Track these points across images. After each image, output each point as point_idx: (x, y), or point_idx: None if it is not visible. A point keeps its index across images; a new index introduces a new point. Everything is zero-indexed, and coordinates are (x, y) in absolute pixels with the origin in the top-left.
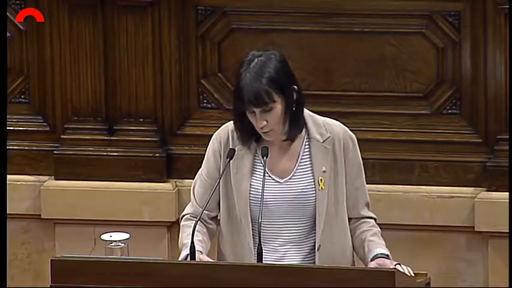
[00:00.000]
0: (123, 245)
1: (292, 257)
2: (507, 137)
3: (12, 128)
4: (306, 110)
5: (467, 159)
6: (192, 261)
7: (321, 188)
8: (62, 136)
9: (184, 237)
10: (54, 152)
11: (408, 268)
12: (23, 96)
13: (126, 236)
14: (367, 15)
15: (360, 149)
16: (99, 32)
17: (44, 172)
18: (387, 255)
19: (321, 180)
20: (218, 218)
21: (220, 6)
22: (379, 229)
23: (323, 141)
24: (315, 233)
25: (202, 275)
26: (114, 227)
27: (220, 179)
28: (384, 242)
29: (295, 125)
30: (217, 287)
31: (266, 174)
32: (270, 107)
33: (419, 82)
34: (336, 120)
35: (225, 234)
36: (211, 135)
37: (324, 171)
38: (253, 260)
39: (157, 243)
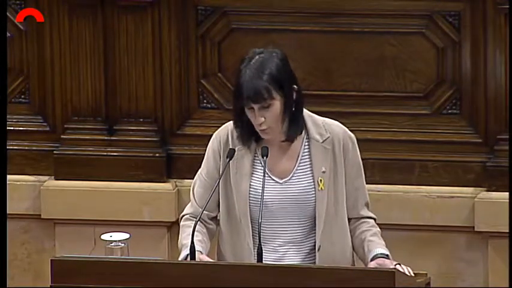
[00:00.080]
0: (123, 245)
1: (292, 257)
2: (507, 137)
3: (12, 128)
4: (305, 110)
5: (467, 159)
6: (192, 261)
7: (321, 188)
8: (62, 136)
9: (184, 238)
10: (54, 152)
11: (408, 268)
12: (23, 96)
13: (126, 236)
14: (367, 15)
15: (360, 149)
16: (99, 32)
17: (44, 172)
18: (387, 255)
19: (321, 180)
20: (218, 218)
21: (220, 6)
22: (378, 229)
23: (322, 142)
24: (314, 233)
25: (202, 275)
26: (114, 227)
27: (220, 179)
28: (383, 242)
29: (294, 125)
30: (217, 287)
31: (266, 175)
32: (268, 103)
33: (419, 82)
34: (336, 120)
35: (224, 235)
36: (211, 135)
37: (324, 172)
38: (252, 260)
39: (157, 243)
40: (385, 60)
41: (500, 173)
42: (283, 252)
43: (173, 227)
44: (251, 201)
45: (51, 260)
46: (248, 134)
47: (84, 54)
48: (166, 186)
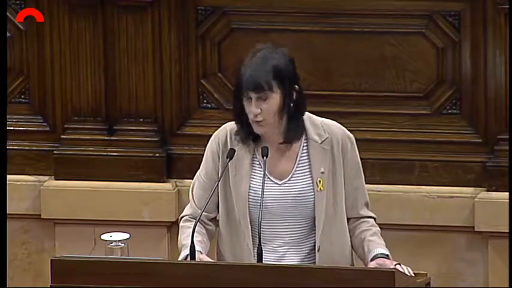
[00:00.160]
0: (123, 245)
1: (291, 257)
2: (507, 137)
3: (12, 128)
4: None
5: (467, 159)
6: (192, 261)
7: (320, 189)
8: (62, 136)
9: (183, 239)
10: (54, 152)
11: (408, 268)
12: (23, 96)
13: (126, 236)
14: (367, 15)
15: (360, 149)
16: (99, 32)
17: (44, 172)
18: (387, 255)
19: (320, 181)
20: (217, 219)
21: (220, 6)
22: (378, 228)
23: (321, 142)
24: (313, 234)
25: (202, 275)
26: (114, 227)
27: (219, 181)
28: (383, 242)
29: (293, 127)
30: (217, 287)
31: (265, 177)
32: (267, 95)
33: (419, 82)
34: (336, 120)
35: (224, 236)
36: (211, 135)
37: (323, 172)
38: (252, 260)
39: (157, 243)
40: (385, 60)
41: (500, 173)
42: (282, 253)
43: (173, 227)
44: (250, 203)
45: (51, 260)
46: (246, 130)
47: (84, 54)
48: (166, 186)
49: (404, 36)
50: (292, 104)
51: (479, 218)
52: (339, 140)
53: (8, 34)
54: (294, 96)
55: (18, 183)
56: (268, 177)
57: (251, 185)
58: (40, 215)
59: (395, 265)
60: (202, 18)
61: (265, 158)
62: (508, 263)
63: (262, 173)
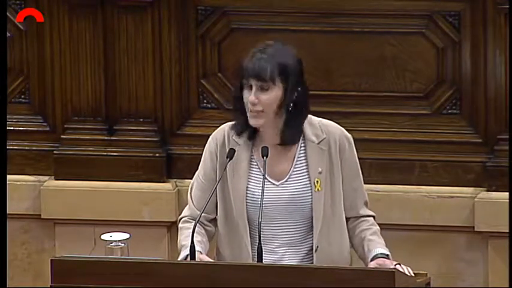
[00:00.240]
0: (123, 245)
1: (290, 258)
2: (507, 137)
3: (12, 128)
4: None
5: (467, 159)
6: (192, 261)
7: (317, 189)
8: (62, 136)
9: (183, 239)
10: (54, 152)
11: (408, 268)
12: (23, 96)
13: (126, 236)
14: (367, 15)
15: (360, 149)
16: (99, 32)
17: (44, 172)
18: (387, 255)
19: (317, 181)
20: (216, 219)
21: (220, 6)
22: (378, 227)
23: (318, 143)
24: (312, 234)
25: (202, 275)
26: (114, 227)
27: (218, 182)
28: (383, 241)
29: (291, 129)
30: (217, 287)
31: (262, 177)
32: (267, 86)
33: (419, 82)
34: (336, 120)
35: (222, 236)
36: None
37: (320, 173)
38: (250, 261)
39: (157, 243)
40: (385, 60)
41: (500, 173)
42: (281, 254)
43: (173, 227)
44: (248, 203)
45: (51, 260)
46: (243, 123)
47: (84, 54)
48: (166, 186)
49: (404, 36)
50: (292, 104)
51: (479, 218)
52: (337, 140)
53: (8, 34)
54: (295, 97)
55: (18, 183)
56: (266, 178)
57: (249, 186)
58: (40, 215)
59: (395, 265)
60: (202, 18)
61: (265, 158)
62: (508, 263)
63: (260, 173)
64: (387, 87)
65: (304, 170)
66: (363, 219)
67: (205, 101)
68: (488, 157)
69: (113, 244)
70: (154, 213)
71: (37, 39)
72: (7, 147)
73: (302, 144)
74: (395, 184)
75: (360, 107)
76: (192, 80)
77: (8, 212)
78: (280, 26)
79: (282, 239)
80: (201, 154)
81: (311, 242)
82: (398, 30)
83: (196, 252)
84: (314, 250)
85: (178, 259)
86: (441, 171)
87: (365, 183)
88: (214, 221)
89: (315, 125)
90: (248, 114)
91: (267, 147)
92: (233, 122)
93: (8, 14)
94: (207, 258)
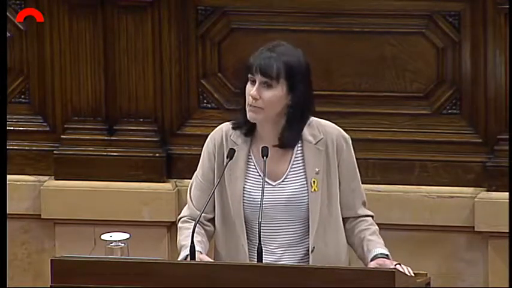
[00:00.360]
0: (123, 245)
1: (288, 259)
2: (507, 137)
3: (12, 128)
4: None
5: (467, 159)
6: (192, 261)
7: (314, 190)
8: (62, 136)
9: (183, 239)
10: (54, 152)
11: (408, 268)
12: (23, 96)
13: (126, 236)
14: (367, 15)
15: (360, 149)
16: (99, 32)
17: (44, 172)
18: (387, 255)
19: (314, 182)
20: (215, 219)
21: (220, 6)
22: (377, 227)
23: (316, 143)
24: (309, 235)
25: (202, 275)
26: (114, 227)
27: (218, 182)
28: (382, 241)
29: (290, 132)
30: (217, 287)
31: (260, 177)
32: (271, 83)
33: (419, 82)
34: (336, 120)
35: (220, 235)
36: None
37: (317, 173)
38: (247, 261)
39: (157, 243)
40: (385, 60)
41: (500, 173)
42: (279, 255)
43: (173, 227)
44: (245, 203)
45: (51, 260)
46: (243, 118)
47: (84, 54)
48: (166, 186)
49: (404, 36)
50: (293, 105)
51: (479, 218)
52: (334, 140)
53: (8, 34)
54: (298, 99)
55: (18, 183)
56: (262, 179)
57: (245, 186)
58: (40, 215)
59: (395, 265)
60: (202, 18)
61: (265, 158)
62: (508, 263)
63: (257, 173)
64: (387, 87)
65: (301, 171)
66: (361, 219)
67: (205, 101)
68: (488, 157)
69: (113, 244)
70: (154, 213)
71: (37, 39)
72: (7, 147)
73: (299, 145)
74: (395, 184)
75: (360, 107)
76: (192, 80)
77: (8, 212)
78: (280, 26)
79: (280, 240)
80: (201, 154)
81: (308, 243)
82: (398, 30)
83: (196, 252)
84: (310, 251)
85: (178, 259)
86: (441, 171)
87: (365, 183)
88: (213, 220)
89: (312, 125)
90: (247, 108)
91: (267, 148)
92: (232, 121)
93: (8, 14)
94: (207, 258)
